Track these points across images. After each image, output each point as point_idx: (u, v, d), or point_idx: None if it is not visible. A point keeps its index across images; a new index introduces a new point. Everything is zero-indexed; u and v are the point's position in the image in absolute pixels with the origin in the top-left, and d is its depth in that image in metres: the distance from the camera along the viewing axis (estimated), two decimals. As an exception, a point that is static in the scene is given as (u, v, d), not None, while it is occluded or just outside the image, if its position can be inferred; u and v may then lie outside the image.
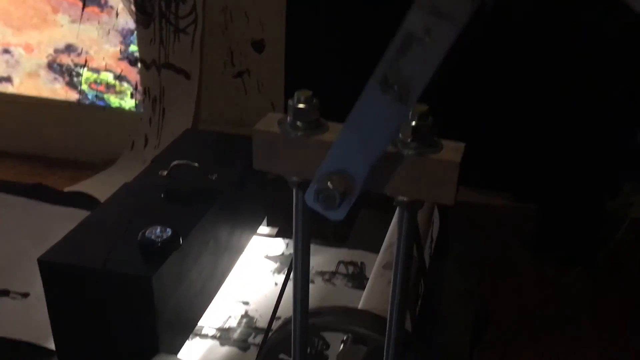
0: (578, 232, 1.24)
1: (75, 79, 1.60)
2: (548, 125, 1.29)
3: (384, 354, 0.55)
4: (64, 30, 1.56)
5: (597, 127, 1.21)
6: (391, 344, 0.54)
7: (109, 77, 1.59)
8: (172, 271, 0.76)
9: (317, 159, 0.46)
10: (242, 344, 0.88)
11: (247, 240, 1.05)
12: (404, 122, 0.44)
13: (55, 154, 1.61)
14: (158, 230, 0.76)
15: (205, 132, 1.26)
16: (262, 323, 0.91)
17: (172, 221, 0.79)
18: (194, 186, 0.89)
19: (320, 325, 0.63)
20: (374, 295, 0.73)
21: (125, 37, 1.54)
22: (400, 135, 0.46)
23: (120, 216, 0.82)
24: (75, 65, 1.59)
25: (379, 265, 0.79)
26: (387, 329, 0.54)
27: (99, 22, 1.54)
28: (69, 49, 1.57)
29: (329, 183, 0.45)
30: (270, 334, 0.68)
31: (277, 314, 0.69)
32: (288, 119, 0.48)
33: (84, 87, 1.60)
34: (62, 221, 1.01)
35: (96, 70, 1.59)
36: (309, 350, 0.76)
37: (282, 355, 0.66)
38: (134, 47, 1.54)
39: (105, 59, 1.57)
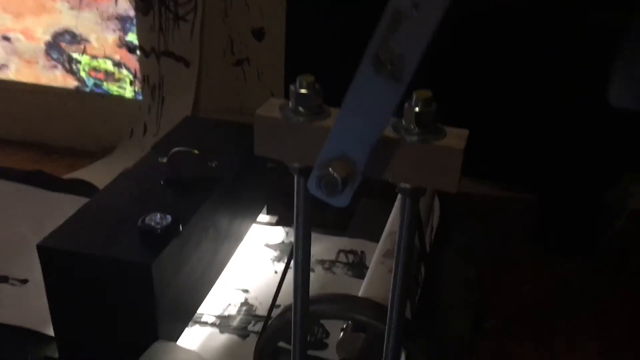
0: (578, 223, 1.24)
1: (74, 66, 1.59)
2: (548, 116, 1.29)
3: (385, 341, 0.55)
4: (63, 16, 1.54)
5: (596, 118, 1.20)
6: (392, 332, 0.54)
7: (108, 64, 1.58)
8: (171, 258, 0.76)
9: (319, 145, 0.46)
10: (242, 332, 0.88)
11: (247, 228, 1.05)
12: (399, 101, 0.43)
13: (54, 141, 1.61)
14: (158, 217, 0.76)
15: (205, 120, 1.26)
16: (262, 311, 0.91)
17: (172, 208, 0.79)
18: (194, 173, 0.89)
19: (320, 313, 0.63)
20: (374, 283, 0.73)
21: (124, 24, 1.53)
22: (403, 121, 0.45)
23: (119, 203, 0.82)
24: (74, 52, 1.58)
25: (379, 254, 0.79)
26: (388, 316, 0.54)
27: (97, 9, 1.53)
28: (68, 36, 1.56)
29: (330, 169, 0.45)
30: (270, 321, 0.67)
31: (277, 302, 0.69)
32: (290, 104, 0.48)
33: (83, 74, 1.59)
34: (61, 208, 1.01)
35: (95, 58, 1.58)
36: (308, 338, 0.76)
37: (281, 343, 0.66)
38: (132, 36, 1.53)
39: (105, 47, 1.56)
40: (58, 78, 1.61)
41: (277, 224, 1.12)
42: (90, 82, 1.61)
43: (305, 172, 0.49)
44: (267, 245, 1.07)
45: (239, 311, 0.92)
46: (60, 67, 1.60)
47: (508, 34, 1.25)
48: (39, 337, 0.85)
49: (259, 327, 0.88)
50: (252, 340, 0.85)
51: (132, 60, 1.57)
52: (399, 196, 0.48)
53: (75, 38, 1.57)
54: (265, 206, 1.13)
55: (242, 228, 1.02)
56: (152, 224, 0.75)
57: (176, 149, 0.90)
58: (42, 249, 0.74)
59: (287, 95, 0.48)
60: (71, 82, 1.61)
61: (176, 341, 0.81)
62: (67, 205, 0.97)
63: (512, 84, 1.28)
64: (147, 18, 1.47)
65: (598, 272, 1.15)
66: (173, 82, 1.51)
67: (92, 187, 1.27)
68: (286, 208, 1.14)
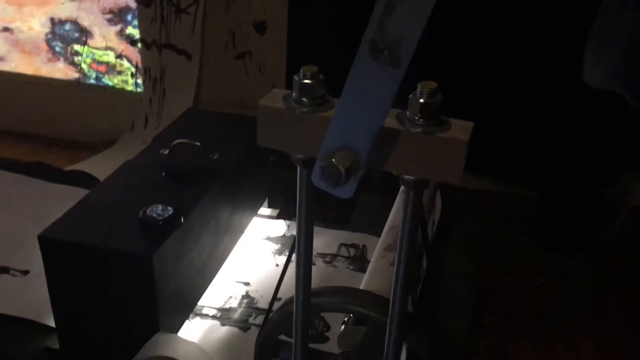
0: (578, 220, 1.24)
1: (75, 58, 1.59)
2: (549, 113, 1.28)
3: (387, 334, 0.55)
4: (65, 8, 1.54)
5: (597, 115, 1.20)
6: (394, 325, 0.54)
7: (109, 56, 1.57)
8: (173, 250, 0.76)
9: (322, 135, 0.46)
10: (243, 324, 0.88)
11: (248, 221, 1.05)
12: (398, 87, 0.43)
13: (54, 134, 1.60)
14: (159, 208, 0.76)
15: (207, 112, 1.26)
16: (263, 304, 0.91)
17: (173, 200, 0.78)
18: (195, 165, 0.89)
19: (322, 306, 0.62)
20: (375, 277, 0.73)
21: (125, 16, 1.53)
22: (408, 112, 0.45)
23: (121, 194, 0.82)
24: (76, 44, 1.57)
25: (380, 248, 0.79)
26: (390, 309, 0.54)
27: (99, 1, 1.52)
28: (70, 27, 1.56)
29: (333, 160, 0.45)
30: (271, 314, 0.67)
31: (278, 295, 0.69)
32: (293, 94, 0.48)
33: (84, 66, 1.59)
34: (62, 199, 1.01)
35: (96, 50, 1.57)
36: (309, 331, 0.76)
37: (282, 336, 0.66)
38: (133, 28, 1.52)
39: (106, 39, 1.55)
40: (59, 70, 1.61)
41: (278, 217, 1.12)
42: (91, 75, 1.60)
43: (308, 164, 0.49)
44: (268, 238, 1.06)
45: (240, 304, 0.92)
46: (61, 59, 1.60)
47: (509, 31, 1.25)
48: (40, 328, 0.85)
49: (259, 319, 0.88)
50: (253, 332, 0.85)
51: (134, 53, 1.56)
52: (401, 190, 0.48)
53: (76, 30, 1.56)
54: (267, 199, 1.13)
55: (243, 221, 1.02)
56: (154, 215, 0.75)
57: (178, 140, 0.90)
58: (43, 239, 0.74)
59: (288, 89, 0.48)
60: (72, 74, 1.61)
61: (177, 333, 0.81)
62: (68, 197, 0.97)
63: (513, 81, 1.28)
64: (148, 10, 1.47)
65: (598, 271, 1.15)
66: (174, 75, 1.51)
67: (93, 179, 1.27)
68: (287, 201, 1.15)
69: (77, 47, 1.57)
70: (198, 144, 0.90)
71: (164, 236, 0.74)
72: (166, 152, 0.90)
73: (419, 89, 0.44)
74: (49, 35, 1.58)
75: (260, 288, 0.95)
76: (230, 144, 0.96)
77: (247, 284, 0.96)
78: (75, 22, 1.55)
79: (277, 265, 1.00)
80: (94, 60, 1.59)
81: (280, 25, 1.42)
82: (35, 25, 1.57)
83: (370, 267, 0.76)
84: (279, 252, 1.03)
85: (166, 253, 0.74)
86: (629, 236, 1.23)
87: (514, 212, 1.31)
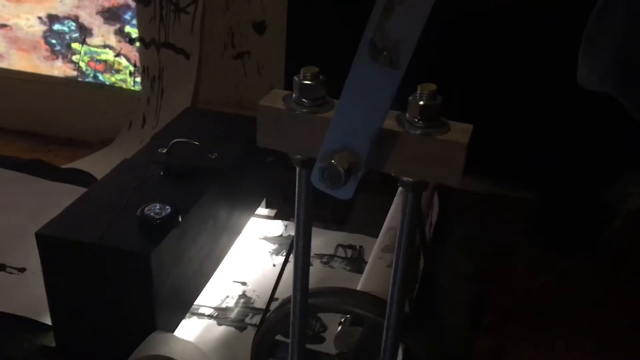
0: (576, 222, 1.24)
1: (73, 57, 1.58)
2: (547, 114, 1.29)
3: (384, 335, 0.55)
4: (63, 5, 1.54)
5: (596, 117, 1.20)
6: (391, 325, 0.54)
7: (107, 55, 1.57)
8: (170, 248, 0.76)
9: (322, 136, 0.46)
10: (239, 324, 0.88)
11: (246, 221, 1.05)
12: (397, 88, 0.43)
13: (52, 132, 1.60)
14: (157, 207, 0.76)
15: (205, 111, 1.26)
16: (260, 304, 0.91)
17: (171, 198, 0.78)
18: (193, 164, 0.89)
19: (320, 306, 0.63)
20: (373, 278, 0.73)
21: (124, 14, 1.53)
22: (407, 114, 0.45)
23: (119, 192, 0.82)
24: (74, 42, 1.57)
25: (378, 249, 0.79)
26: (387, 310, 0.54)
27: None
28: (68, 25, 1.55)
29: (333, 161, 0.45)
30: (268, 314, 0.67)
31: (275, 296, 0.69)
32: (293, 95, 0.48)
33: (82, 64, 1.59)
34: (60, 197, 1.01)
35: (95, 48, 1.57)
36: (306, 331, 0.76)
37: (279, 336, 0.66)
38: (131, 27, 1.52)
39: (105, 37, 1.55)
40: (57, 68, 1.61)
41: (275, 217, 1.12)
42: (89, 73, 1.60)
43: (307, 164, 0.49)
44: (266, 238, 1.06)
45: (236, 303, 0.92)
46: (59, 57, 1.60)
47: (506, 34, 1.25)
48: (36, 326, 0.85)
49: (256, 319, 0.88)
50: (249, 332, 0.85)
51: (133, 52, 1.56)
52: (399, 191, 0.48)
53: (75, 28, 1.56)
54: (264, 199, 1.13)
55: (240, 220, 1.02)
56: (152, 214, 0.75)
57: (176, 139, 0.90)
58: (40, 237, 0.74)
59: (287, 90, 0.48)
60: (70, 72, 1.60)
61: (174, 332, 0.81)
62: (66, 195, 0.97)
63: (511, 83, 1.28)
64: (147, 9, 1.46)
65: (597, 272, 1.15)
66: (173, 74, 1.51)
67: (91, 177, 1.27)
68: (285, 201, 1.15)
69: (75, 45, 1.57)
70: (196, 143, 0.90)
71: (162, 235, 0.74)
72: (164, 150, 0.90)
73: (418, 91, 0.44)
74: (47, 33, 1.58)
75: (257, 288, 0.95)
76: (228, 144, 0.96)
77: (244, 283, 0.96)
78: (73, 20, 1.55)
79: (274, 265, 1.00)
80: (92, 58, 1.58)
81: (279, 25, 1.42)
82: (34, 23, 1.57)
83: (367, 268, 0.77)
84: (276, 252, 1.03)
85: (164, 252, 0.74)
86: (628, 238, 1.23)
87: (512, 214, 1.31)
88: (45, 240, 0.74)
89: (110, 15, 1.53)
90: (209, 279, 0.92)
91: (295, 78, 0.47)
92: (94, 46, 1.57)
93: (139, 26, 1.49)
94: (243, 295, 0.93)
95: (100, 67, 1.59)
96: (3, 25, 1.58)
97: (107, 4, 1.53)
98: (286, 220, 1.11)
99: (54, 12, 1.55)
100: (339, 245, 1.04)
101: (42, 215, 0.82)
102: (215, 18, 1.45)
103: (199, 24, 1.45)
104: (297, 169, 0.50)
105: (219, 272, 0.95)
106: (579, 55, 0.75)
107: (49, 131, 1.60)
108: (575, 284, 1.10)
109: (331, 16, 1.35)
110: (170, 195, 0.80)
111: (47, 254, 0.75)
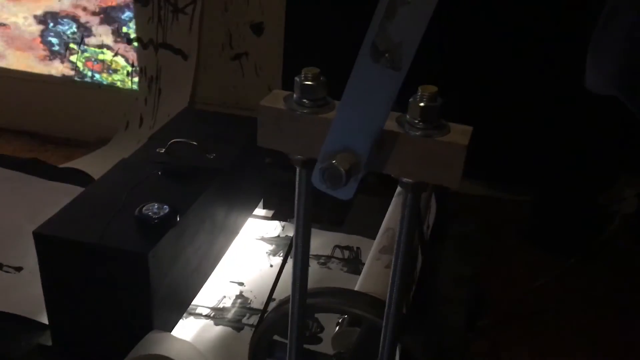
0: (572, 225, 1.25)
1: (71, 56, 1.58)
2: (544, 118, 1.29)
3: (382, 335, 0.55)
4: (62, 5, 1.54)
5: (593, 121, 1.21)
6: (389, 326, 0.54)
7: (105, 55, 1.57)
8: (168, 248, 0.76)
9: (323, 137, 0.46)
10: (236, 324, 0.88)
11: (243, 221, 1.05)
12: (398, 90, 0.43)
13: (49, 131, 1.60)
14: (155, 206, 0.76)
15: (203, 112, 1.26)
16: (257, 304, 0.91)
17: (169, 198, 0.78)
18: (191, 164, 0.89)
19: (319, 306, 0.63)
20: (370, 278, 0.73)
21: (122, 14, 1.53)
22: (408, 116, 0.46)
23: (117, 192, 0.82)
24: (72, 42, 1.57)
25: (375, 250, 0.79)
26: (385, 310, 0.54)
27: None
28: (66, 24, 1.55)
29: (333, 161, 0.45)
30: (266, 314, 0.67)
31: (272, 296, 0.69)
32: (294, 95, 0.48)
33: (80, 64, 1.58)
34: (57, 196, 1.01)
35: (93, 48, 1.57)
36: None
37: (277, 337, 0.66)
38: (127, 29, 1.52)
39: (103, 37, 1.55)
40: (54, 68, 1.61)
41: (273, 218, 1.12)
42: (87, 73, 1.60)
43: (308, 165, 0.49)
44: (263, 239, 1.07)
45: (233, 304, 0.92)
46: (57, 56, 1.60)
47: (506, 39, 1.26)
48: (33, 325, 0.85)
49: (253, 320, 0.88)
50: (246, 332, 0.85)
51: (130, 52, 1.56)
52: (397, 192, 0.48)
53: (72, 28, 1.56)
54: (262, 200, 1.13)
55: (238, 221, 1.02)
56: (150, 213, 0.75)
57: (174, 139, 0.90)
58: (38, 236, 0.74)
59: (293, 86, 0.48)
60: (68, 72, 1.60)
61: (171, 332, 0.81)
62: (63, 194, 0.97)
63: (509, 87, 1.29)
64: (146, 9, 1.46)
65: (594, 274, 1.15)
66: (170, 75, 1.51)
67: (88, 177, 1.27)
68: (282, 202, 1.15)
69: (73, 45, 1.57)
70: (194, 143, 0.90)
71: (160, 234, 0.74)
72: (162, 150, 0.90)
73: (419, 93, 0.45)
74: (45, 33, 1.57)
75: (254, 288, 0.95)
76: (226, 144, 0.96)
77: (241, 284, 0.96)
78: (71, 20, 1.55)
79: (271, 266, 1.00)
80: (89, 58, 1.58)
81: (277, 26, 1.43)
82: (31, 22, 1.57)
83: (365, 269, 0.77)
84: (274, 253, 1.03)
85: (161, 251, 0.74)
86: (622, 242, 1.24)
87: (508, 217, 1.31)
88: (43, 240, 0.74)
89: (108, 15, 1.53)
90: (206, 279, 0.92)
91: (297, 79, 0.47)
92: (91, 46, 1.57)
93: (137, 26, 1.49)
94: (240, 295, 0.94)
95: (97, 67, 1.59)
96: (1, 25, 1.58)
97: (104, 4, 1.53)
98: (283, 220, 1.11)
99: (52, 11, 1.55)
100: (336, 246, 1.05)
101: (39, 215, 0.82)
102: (214, 19, 1.46)
103: (197, 25, 1.45)
104: (297, 170, 0.50)
105: (216, 272, 0.95)
106: (587, 60, 0.76)
107: (46, 130, 1.60)
108: (572, 285, 1.11)
109: (328, 18, 1.36)
110: (168, 195, 0.80)
111: (44, 253, 0.75)
